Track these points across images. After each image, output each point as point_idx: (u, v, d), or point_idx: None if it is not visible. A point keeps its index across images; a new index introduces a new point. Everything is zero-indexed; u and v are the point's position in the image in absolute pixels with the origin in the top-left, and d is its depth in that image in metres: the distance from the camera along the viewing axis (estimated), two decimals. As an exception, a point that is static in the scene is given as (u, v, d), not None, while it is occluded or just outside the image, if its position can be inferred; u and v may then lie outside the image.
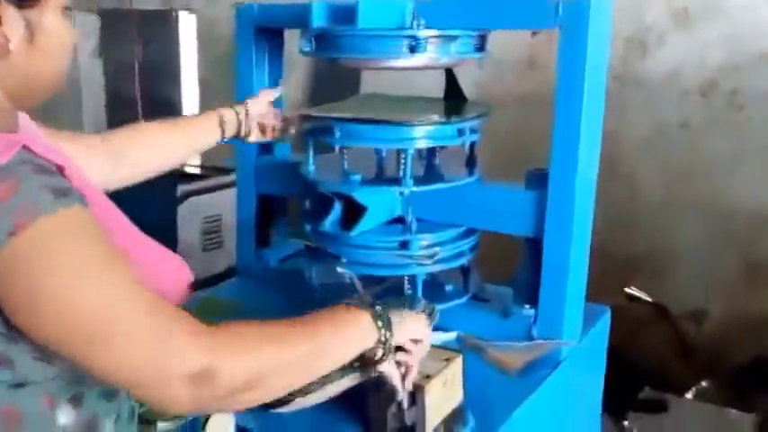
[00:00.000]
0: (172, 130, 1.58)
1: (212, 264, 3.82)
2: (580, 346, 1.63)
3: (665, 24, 3.07)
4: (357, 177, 1.64)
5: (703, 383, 2.69)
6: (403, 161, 1.61)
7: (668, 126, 3.12)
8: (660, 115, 3.13)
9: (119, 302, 0.88)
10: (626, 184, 3.18)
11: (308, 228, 1.75)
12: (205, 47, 4.31)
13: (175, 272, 1.17)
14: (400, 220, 1.70)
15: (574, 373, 1.63)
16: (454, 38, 1.59)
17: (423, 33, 1.55)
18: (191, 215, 3.71)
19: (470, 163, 1.74)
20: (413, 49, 1.56)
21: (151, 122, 1.57)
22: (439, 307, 1.61)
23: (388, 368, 1.19)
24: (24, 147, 0.88)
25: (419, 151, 1.72)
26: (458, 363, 1.36)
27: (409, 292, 1.73)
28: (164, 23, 4.39)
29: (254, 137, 1.69)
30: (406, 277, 1.71)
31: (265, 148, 1.95)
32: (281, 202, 2.05)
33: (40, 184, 0.85)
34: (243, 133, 1.66)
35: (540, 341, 1.56)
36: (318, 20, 1.60)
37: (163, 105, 4.47)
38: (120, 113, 4.61)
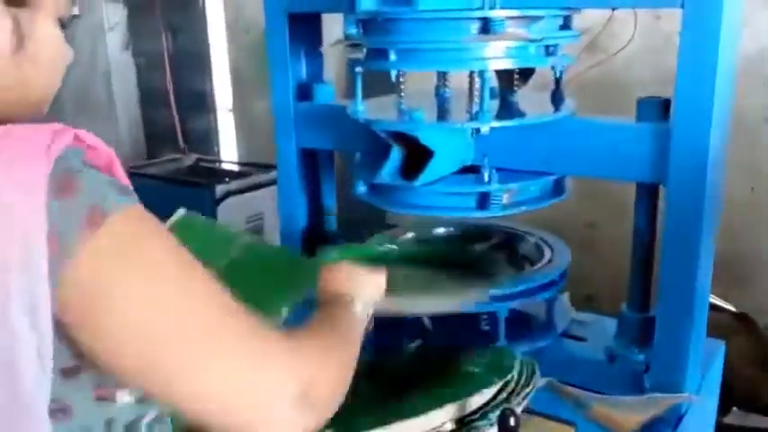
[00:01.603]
0: None
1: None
2: (700, 395, 1.34)
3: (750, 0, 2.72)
4: (420, 113, 1.31)
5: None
6: (477, 91, 1.28)
7: (751, 118, 2.78)
8: (742, 106, 2.79)
9: (214, 317, 0.76)
10: (703, 183, 2.88)
11: (360, 187, 1.45)
12: (235, 35, 4.07)
13: None
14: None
15: (693, 428, 1.34)
16: (537, 19, 1.28)
17: (498, 14, 1.23)
18: (231, 216, 3.51)
19: (558, 96, 1.41)
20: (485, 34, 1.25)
21: None
22: (525, 349, 1.37)
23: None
24: (76, 135, 0.76)
25: (491, 88, 1.38)
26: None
27: (487, 328, 1.46)
28: (190, 10, 4.15)
29: None
30: (483, 314, 1.43)
31: (304, 93, 1.64)
32: (328, 162, 1.74)
33: (103, 179, 0.74)
34: None
35: (659, 395, 1.26)
36: (367, 1, 1.27)
37: (195, 98, 4.28)
38: (154, 110, 4.45)
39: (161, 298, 0.73)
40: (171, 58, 4.16)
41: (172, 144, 4.31)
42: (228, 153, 4.36)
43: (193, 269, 0.77)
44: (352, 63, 1.38)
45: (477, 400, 1.05)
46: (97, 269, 0.70)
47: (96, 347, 0.72)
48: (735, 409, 2.43)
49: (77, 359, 0.74)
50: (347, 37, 1.37)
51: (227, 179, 3.59)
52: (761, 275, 2.87)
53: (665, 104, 1.24)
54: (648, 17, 2.66)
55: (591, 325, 1.51)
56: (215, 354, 0.74)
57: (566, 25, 1.35)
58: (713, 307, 2.58)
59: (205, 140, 4.40)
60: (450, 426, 1.00)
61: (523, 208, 1.37)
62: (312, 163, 1.69)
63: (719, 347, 1.52)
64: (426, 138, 1.29)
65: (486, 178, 1.34)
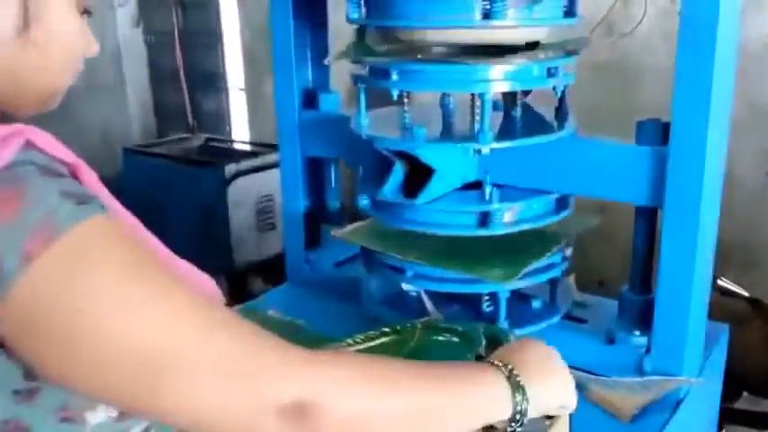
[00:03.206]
0: None
1: (266, 247, 3.64)
2: (701, 379, 1.33)
3: (765, -19, 2.68)
4: (422, 131, 1.32)
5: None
6: (479, 110, 1.29)
7: (766, 106, 2.74)
8: (757, 92, 2.74)
9: (185, 323, 0.69)
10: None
11: (364, 200, 1.46)
12: (247, 13, 4.05)
13: (209, 293, 0.93)
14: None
15: (693, 412, 1.33)
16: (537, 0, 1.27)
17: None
18: (241, 196, 3.51)
19: (561, 116, 1.41)
20: (487, 16, 1.25)
21: None
22: (526, 331, 1.36)
23: None
24: (28, 141, 0.70)
25: (494, 102, 1.40)
26: (564, 421, 1.08)
27: (489, 309, 1.45)
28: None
29: None
30: (485, 295, 1.43)
31: (309, 101, 1.67)
32: (331, 169, 1.77)
33: (55, 190, 0.67)
34: None
35: (658, 378, 1.26)
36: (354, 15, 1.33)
37: (207, 77, 4.27)
38: (164, 89, 4.44)
39: (129, 308, 0.67)
40: (182, 35, 4.15)
41: (182, 123, 4.31)
42: (240, 133, 4.35)
43: (163, 276, 0.70)
44: (356, 79, 1.40)
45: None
46: (43, 291, 0.64)
47: (61, 372, 0.68)
48: (746, 394, 2.40)
49: (30, 381, 0.70)
50: (349, 20, 1.37)
51: (237, 159, 3.58)
52: (775, 261, 2.84)
53: (664, 128, 1.23)
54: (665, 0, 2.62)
55: (593, 307, 1.50)
56: (193, 352, 0.68)
57: (570, 7, 1.34)
58: (727, 292, 2.56)
59: (217, 120, 4.40)
60: None
61: (525, 226, 1.37)
62: (317, 165, 1.73)
63: (723, 331, 1.50)
64: (427, 156, 1.30)
65: (488, 196, 1.35)
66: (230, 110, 4.36)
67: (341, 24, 1.54)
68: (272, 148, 3.62)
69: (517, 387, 0.85)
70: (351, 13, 1.36)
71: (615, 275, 1.85)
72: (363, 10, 1.35)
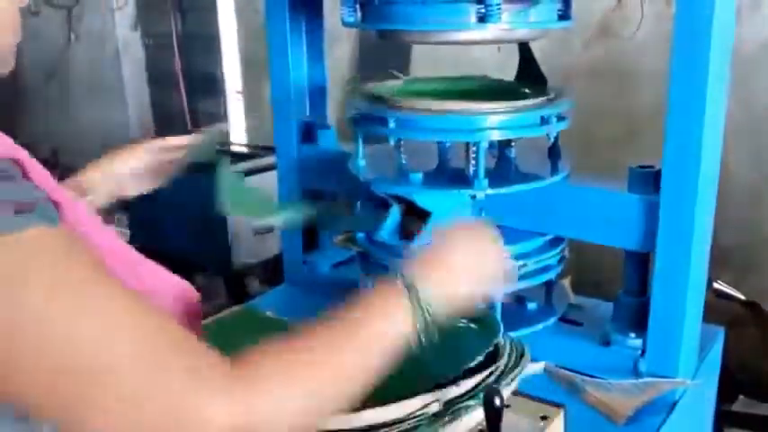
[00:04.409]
0: None
1: (263, 249, 3.63)
2: (696, 381, 1.34)
3: (761, -18, 2.69)
4: (418, 176, 1.36)
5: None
6: (473, 157, 1.32)
7: (762, 108, 2.74)
8: (753, 95, 2.75)
9: (124, 337, 0.66)
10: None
11: (360, 235, 1.48)
12: (244, 16, 4.06)
13: (181, 294, 0.92)
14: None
15: (688, 414, 1.34)
16: (534, 3, 1.28)
17: (496, -3, 1.23)
18: (239, 198, 3.50)
19: (554, 156, 1.44)
20: (483, 19, 1.26)
21: None
22: (521, 333, 1.37)
23: None
24: None
25: (489, 141, 1.42)
26: (558, 423, 1.08)
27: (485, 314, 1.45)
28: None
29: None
30: (481, 297, 1.43)
31: (308, 135, 1.69)
32: (331, 197, 1.79)
33: None
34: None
35: (653, 380, 1.26)
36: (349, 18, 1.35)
37: (205, 80, 4.28)
38: (162, 91, 4.45)
39: (63, 321, 0.64)
40: (180, 38, 4.16)
41: (181, 125, 4.32)
42: (237, 135, 4.36)
43: (107, 286, 0.67)
44: (354, 124, 1.42)
45: (468, 383, 1.04)
46: None
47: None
48: (741, 397, 2.40)
49: None
50: (344, 24, 1.39)
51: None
52: (770, 263, 2.84)
53: (655, 176, 1.25)
54: (660, 4, 2.63)
55: (589, 310, 1.50)
56: (130, 368, 0.65)
57: (565, 11, 1.35)
58: (723, 295, 2.55)
59: (214, 122, 4.41)
60: (437, 407, 0.99)
61: (520, 262, 1.38)
62: (315, 198, 1.75)
63: (718, 334, 1.51)
64: (423, 201, 1.33)
65: None
66: (228, 112, 4.38)
67: (337, 27, 1.55)
68: (269, 150, 3.62)
69: (419, 306, 0.84)
70: (346, 16, 1.37)
71: (611, 278, 1.87)
72: (359, 14, 1.37)
